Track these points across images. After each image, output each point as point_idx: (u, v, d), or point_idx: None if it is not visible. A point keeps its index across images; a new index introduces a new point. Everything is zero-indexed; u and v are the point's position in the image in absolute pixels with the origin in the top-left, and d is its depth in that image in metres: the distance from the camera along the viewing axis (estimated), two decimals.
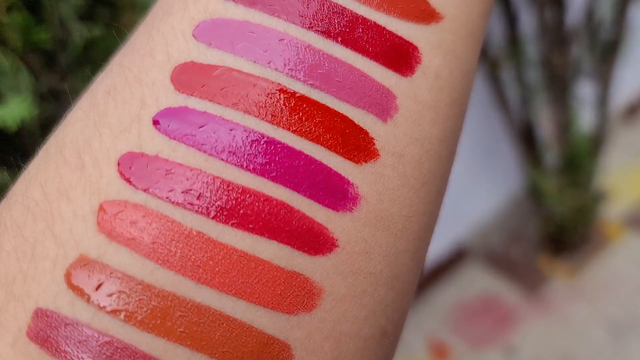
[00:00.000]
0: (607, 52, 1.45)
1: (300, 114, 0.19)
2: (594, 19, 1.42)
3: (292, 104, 0.19)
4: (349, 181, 0.19)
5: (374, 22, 0.20)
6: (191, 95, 0.19)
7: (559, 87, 1.46)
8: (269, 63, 0.19)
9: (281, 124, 0.19)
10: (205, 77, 0.19)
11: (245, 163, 0.19)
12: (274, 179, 0.19)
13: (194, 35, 0.20)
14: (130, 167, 0.19)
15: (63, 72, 0.67)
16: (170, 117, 0.19)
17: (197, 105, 0.19)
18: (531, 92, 1.49)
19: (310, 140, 0.19)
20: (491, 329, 1.60)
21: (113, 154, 0.19)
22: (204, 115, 0.19)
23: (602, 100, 1.54)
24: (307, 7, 0.20)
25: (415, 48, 0.21)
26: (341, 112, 0.20)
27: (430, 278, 1.68)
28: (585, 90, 1.49)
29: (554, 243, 1.70)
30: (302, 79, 0.19)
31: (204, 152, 0.19)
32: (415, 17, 0.21)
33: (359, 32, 0.20)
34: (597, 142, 1.57)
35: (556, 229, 1.66)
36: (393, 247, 0.21)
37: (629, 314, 1.53)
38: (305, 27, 0.20)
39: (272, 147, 0.19)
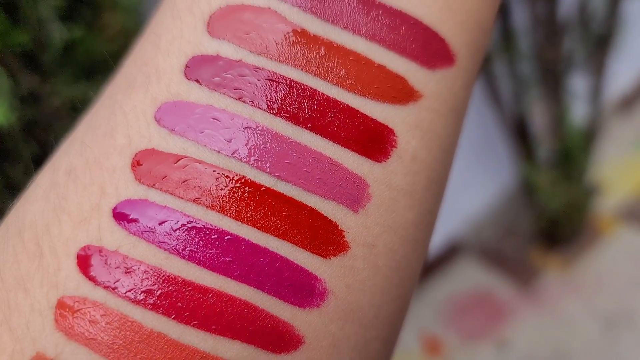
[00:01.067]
0: (600, 45, 1.44)
1: (266, 209, 0.18)
2: (587, 12, 1.41)
3: (257, 199, 0.18)
4: (316, 277, 0.19)
5: (347, 105, 0.19)
6: (151, 187, 0.18)
7: (552, 80, 1.45)
8: (233, 153, 0.18)
9: (245, 219, 0.18)
10: (167, 167, 0.18)
11: (207, 262, 0.18)
12: (237, 278, 0.18)
13: (155, 119, 0.19)
14: (90, 261, 0.18)
15: (44, 74, 0.66)
16: (129, 211, 0.18)
17: (158, 199, 0.18)
18: (524, 86, 1.48)
19: (276, 236, 0.18)
20: (484, 323, 1.60)
21: (72, 246, 0.18)
22: (165, 210, 0.18)
23: (595, 93, 1.53)
24: (275, 91, 0.19)
25: (390, 131, 0.20)
26: (309, 204, 0.19)
27: (424, 273, 1.68)
28: (578, 84, 1.49)
29: (547, 237, 1.70)
30: (268, 171, 0.19)
31: (164, 249, 0.18)
32: (392, 97, 0.20)
33: (330, 117, 0.19)
34: (590, 136, 1.57)
35: (549, 223, 1.66)
36: (363, 337, 0.20)
37: (621, 308, 1.54)
38: (273, 113, 0.19)
39: (236, 245, 0.18)
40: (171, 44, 0.20)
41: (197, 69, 0.19)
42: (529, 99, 1.51)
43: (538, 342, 1.54)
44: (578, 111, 1.54)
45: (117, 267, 0.18)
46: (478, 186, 1.74)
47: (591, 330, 1.52)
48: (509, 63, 1.47)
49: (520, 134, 1.56)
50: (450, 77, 0.21)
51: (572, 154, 1.53)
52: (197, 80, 0.19)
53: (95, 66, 0.66)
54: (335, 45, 0.19)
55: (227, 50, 0.19)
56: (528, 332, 1.56)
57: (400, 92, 0.20)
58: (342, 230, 0.19)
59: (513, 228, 1.78)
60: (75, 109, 0.64)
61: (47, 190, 0.20)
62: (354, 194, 0.19)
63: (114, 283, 0.18)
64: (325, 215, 0.19)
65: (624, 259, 1.62)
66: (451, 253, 1.75)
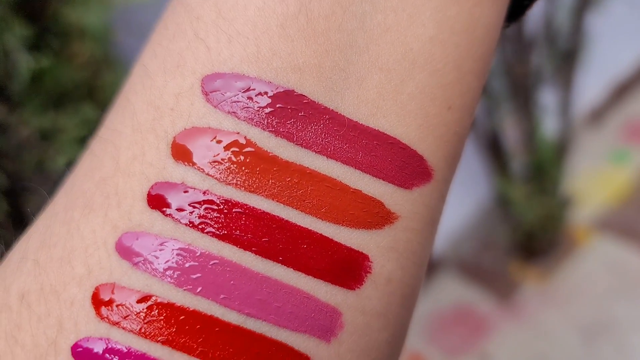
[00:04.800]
0: (567, 59, 1.46)
1: (235, 348, 0.18)
2: (552, 28, 1.43)
3: (225, 338, 0.18)
4: None
5: (320, 235, 0.18)
6: (114, 325, 0.17)
7: (522, 95, 1.46)
8: (199, 292, 0.18)
9: None
10: (129, 305, 0.17)
11: None
12: None
13: (116, 249, 0.18)
14: None
15: (11, 104, 0.66)
16: (90, 350, 0.17)
17: (120, 338, 0.17)
18: (495, 102, 1.50)
19: None
20: (466, 338, 1.60)
21: None
22: (128, 353, 0.17)
23: (565, 107, 1.55)
24: (244, 224, 0.18)
25: (365, 257, 0.19)
26: (279, 339, 0.18)
27: None
28: (548, 98, 1.51)
29: (524, 250, 1.71)
30: (237, 308, 0.18)
31: None
32: (367, 222, 0.19)
33: (302, 248, 0.18)
34: (561, 149, 1.58)
35: (525, 235, 1.67)
36: None
37: (599, 317, 1.55)
38: (242, 247, 0.18)
39: None
40: (132, 163, 0.19)
41: (160, 198, 0.18)
42: (500, 115, 1.52)
43: (519, 354, 1.55)
44: (549, 125, 1.55)
45: None
46: (454, 202, 1.74)
47: (571, 341, 1.53)
48: None
49: (494, 149, 1.57)
50: (427, 193, 0.20)
51: (545, 167, 1.55)
52: (161, 211, 0.18)
53: (64, 95, 0.65)
54: (308, 171, 0.18)
55: (193, 178, 0.18)
56: (509, 345, 1.56)
57: (375, 216, 0.19)
58: None
59: (490, 242, 1.79)
60: (44, 139, 0.64)
61: None
62: (326, 324, 0.19)
63: None
64: (296, 349, 0.18)
65: (601, 269, 1.64)
66: (431, 269, 1.75)
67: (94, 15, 0.70)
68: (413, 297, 0.21)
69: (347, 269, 0.19)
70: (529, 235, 1.66)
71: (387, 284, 0.19)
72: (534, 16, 1.40)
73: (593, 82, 1.75)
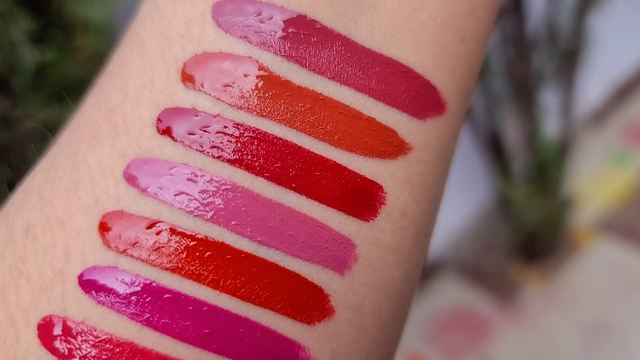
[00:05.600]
0: (568, 60, 1.47)
1: (246, 277, 0.17)
2: (554, 28, 1.43)
3: (237, 266, 0.17)
4: (299, 345, 0.18)
5: (334, 162, 0.18)
6: (122, 253, 0.17)
7: (524, 96, 1.47)
8: (210, 218, 0.17)
9: (224, 289, 0.17)
10: (138, 232, 0.17)
11: (182, 335, 0.17)
12: (216, 351, 0.17)
13: (124, 177, 0.17)
14: (53, 333, 0.16)
15: (15, 98, 0.65)
16: (98, 279, 0.17)
17: (129, 266, 0.17)
18: (496, 102, 1.50)
19: (257, 304, 0.17)
20: (466, 340, 1.60)
21: (32, 315, 0.17)
22: (136, 279, 0.17)
23: (566, 108, 1.55)
24: (257, 149, 0.18)
25: (379, 188, 0.19)
26: (293, 270, 0.18)
27: None
28: (549, 99, 1.51)
29: (525, 251, 1.71)
30: (248, 235, 0.17)
31: (137, 322, 0.17)
32: (381, 152, 0.18)
33: (315, 176, 0.18)
34: (563, 150, 1.58)
35: (527, 237, 1.66)
36: None
37: (601, 319, 1.54)
38: (254, 173, 0.17)
39: (214, 317, 0.17)
40: (140, 91, 0.18)
41: (170, 123, 0.18)
42: (501, 115, 1.52)
43: (520, 356, 1.54)
44: (551, 126, 1.56)
45: (84, 341, 0.16)
46: (455, 203, 1.74)
47: (572, 342, 1.52)
48: (481, 79, 1.49)
49: (495, 150, 1.57)
50: (440, 125, 0.20)
51: (547, 168, 1.55)
52: (170, 136, 0.18)
53: (68, 89, 0.65)
54: (321, 97, 0.18)
55: (204, 103, 0.18)
56: (510, 347, 1.56)
57: (390, 145, 0.19)
58: (327, 295, 0.18)
59: (491, 243, 1.78)
60: (48, 133, 0.63)
61: (1, 248, 0.18)
62: (340, 256, 0.18)
63: (81, 358, 0.16)
64: (309, 279, 0.18)
65: (602, 270, 1.64)
66: (431, 271, 1.75)
67: (98, 10, 0.70)
68: (427, 235, 0.21)
69: (361, 198, 0.18)
70: (530, 237, 1.66)
71: (401, 218, 0.19)
72: (535, 16, 1.40)
73: (595, 83, 1.75)
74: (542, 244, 1.67)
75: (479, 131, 1.56)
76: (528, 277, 1.68)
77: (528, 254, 1.71)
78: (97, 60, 0.68)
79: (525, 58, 1.41)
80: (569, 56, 1.46)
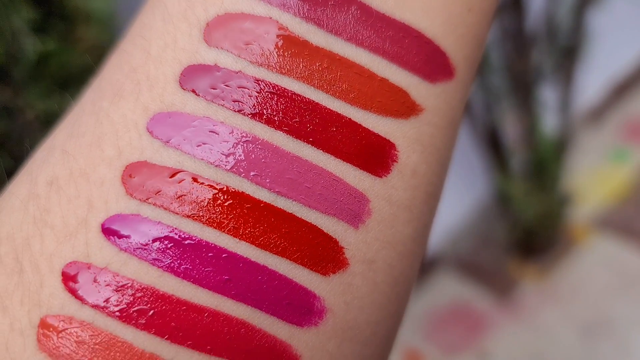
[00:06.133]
0: (567, 56, 1.47)
1: (265, 226, 0.18)
2: (553, 24, 1.44)
3: (256, 215, 0.18)
4: (315, 295, 0.18)
5: (349, 119, 0.19)
6: (144, 201, 0.17)
7: (523, 92, 1.47)
8: (231, 168, 0.18)
9: (244, 236, 0.18)
10: (160, 181, 0.18)
11: (203, 280, 0.17)
12: (234, 297, 0.17)
13: (148, 130, 0.18)
14: (77, 279, 0.17)
15: (16, 87, 0.65)
16: (120, 226, 0.17)
17: (151, 214, 0.17)
18: (495, 98, 1.50)
19: (274, 253, 0.18)
20: (464, 335, 1.60)
21: (57, 262, 0.17)
22: (158, 226, 0.17)
23: (565, 104, 1.55)
24: (276, 104, 0.18)
25: (392, 146, 0.19)
26: (309, 221, 0.18)
27: None
28: (548, 95, 1.51)
29: (522, 247, 1.71)
30: (267, 186, 0.18)
31: (158, 267, 0.17)
32: (394, 111, 0.19)
33: (332, 131, 0.19)
34: (561, 146, 1.59)
35: (524, 233, 1.67)
36: (360, 356, 0.20)
37: (598, 315, 1.55)
38: (273, 127, 0.18)
39: (233, 263, 0.17)
40: (164, 50, 0.19)
41: (193, 78, 0.18)
42: (500, 111, 1.52)
43: (518, 352, 1.54)
44: (549, 122, 1.56)
45: (107, 285, 0.17)
46: (453, 198, 1.74)
47: (569, 338, 1.53)
48: (480, 75, 1.49)
49: (493, 146, 1.57)
50: (449, 90, 0.21)
51: (545, 164, 1.55)
52: (193, 91, 0.18)
53: (69, 79, 0.65)
54: (337, 57, 0.19)
55: (226, 60, 0.18)
56: (508, 342, 1.56)
57: (402, 106, 0.19)
58: (342, 247, 0.19)
59: (489, 239, 1.79)
60: (49, 122, 0.64)
61: (25, 201, 0.18)
62: (354, 209, 0.19)
63: (103, 302, 0.17)
64: (325, 231, 0.18)
65: (599, 267, 1.64)
66: (429, 266, 1.75)
67: (100, 0, 0.70)
68: (436, 197, 0.21)
69: (375, 155, 0.19)
70: (528, 233, 1.66)
71: (413, 176, 0.20)
72: (534, 12, 1.41)
73: (594, 79, 1.75)
74: (540, 240, 1.67)
75: (477, 127, 1.56)
76: (526, 273, 1.69)
77: (526, 250, 1.71)
78: (98, 51, 0.68)
79: (524, 54, 1.41)
80: (568, 52, 1.46)
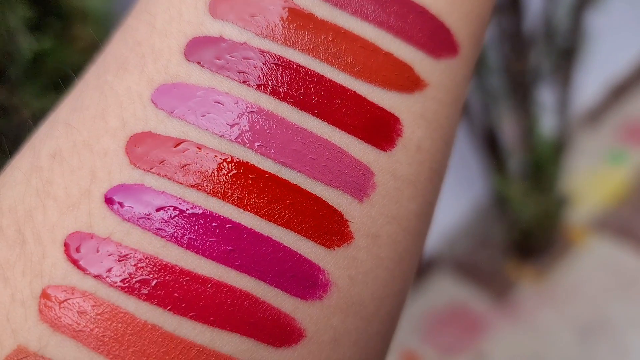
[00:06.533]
0: (565, 57, 1.47)
1: (270, 197, 0.18)
2: (551, 25, 1.44)
3: (261, 186, 0.18)
4: (319, 268, 0.18)
5: (354, 92, 0.19)
6: (148, 171, 0.17)
7: (521, 93, 1.47)
8: (236, 138, 0.18)
9: (248, 207, 0.17)
10: (165, 151, 0.17)
11: (207, 251, 0.17)
12: (238, 268, 0.17)
13: (152, 101, 0.18)
14: (79, 249, 0.17)
15: (12, 86, 0.65)
16: (123, 196, 0.17)
17: (155, 184, 0.17)
18: (493, 99, 1.50)
19: (279, 224, 0.18)
20: (461, 337, 1.60)
21: (59, 232, 0.17)
22: (162, 196, 0.17)
23: (563, 105, 1.56)
24: (281, 75, 0.18)
25: (397, 120, 0.19)
26: (314, 192, 0.18)
27: None
28: (546, 96, 1.51)
29: (520, 248, 1.72)
30: (272, 157, 0.18)
31: (161, 237, 0.17)
32: (399, 86, 0.19)
33: (337, 104, 0.18)
34: (559, 147, 1.59)
35: (522, 234, 1.67)
36: (364, 332, 0.19)
37: (595, 316, 1.55)
38: (279, 98, 0.18)
39: (237, 234, 0.17)
40: (169, 24, 0.19)
41: (198, 50, 0.18)
42: (498, 112, 1.52)
43: (515, 353, 1.55)
44: (547, 123, 1.56)
45: (110, 255, 0.17)
46: (450, 200, 1.74)
47: (567, 340, 1.53)
48: (477, 76, 1.49)
49: (491, 147, 1.58)
50: (453, 67, 0.21)
51: (543, 166, 1.55)
52: (198, 62, 0.18)
53: (65, 78, 0.65)
54: (342, 30, 0.19)
55: (231, 32, 0.18)
56: (505, 344, 1.56)
57: (407, 80, 0.19)
58: (347, 220, 0.19)
59: (486, 240, 1.79)
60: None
61: (27, 174, 0.18)
62: (359, 182, 0.19)
63: (106, 272, 0.17)
64: (330, 204, 0.18)
65: (597, 268, 1.64)
66: (426, 267, 1.75)
67: None
68: (440, 175, 0.21)
69: (380, 128, 0.19)
70: (526, 234, 1.66)
71: (417, 151, 0.20)
72: (532, 13, 1.41)
73: (591, 81, 1.76)
74: (537, 241, 1.67)
75: (475, 128, 1.56)
76: (523, 275, 1.69)
77: (523, 251, 1.71)
78: (94, 50, 0.67)
79: (522, 55, 1.41)
80: (566, 54, 1.46)
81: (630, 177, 1.82)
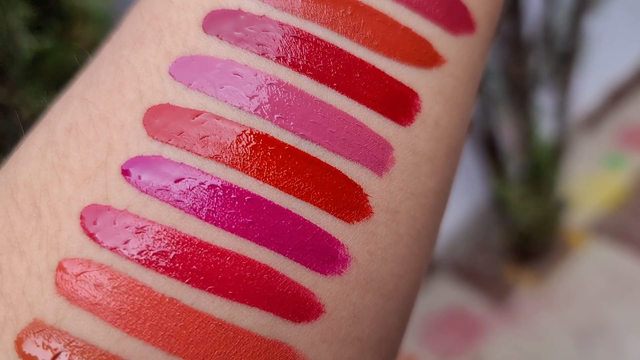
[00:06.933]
0: (564, 62, 1.47)
1: (289, 169, 0.17)
2: (550, 30, 1.44)
3: (280, 158, 0.17)
4: (339, 242, 0.18)
5: (373, 66, 0.19)
6: (166, 143, 0.17)
7: (519, 97, 1.47)
8: (255, 110, 0.17)
9: (267, 179, 0.17)
10: (183, 123, 0.17)
11: (225, 223, 0.17)
12: (257, 241, 0.17)
13: (170, 73, 0.18)
14: (95, 221, 0.17)
15: (12, 86, 0.65)
16: (141, 168, 0.17)
17: (173, 155, 0.17)
18: (492, 103, 1.50)
19: (298, 197, 0.17)
20: (459, 340, 1.60)
21: (75, 205, 0.17)
22: (181, 167, 0.17)
23: (562, 109, 1.56)
24: (300, 48, 0.18)
25: (415, 95, 0.19)
26: (334, 166, 0.18)
27: None
28: (545, 100, 1.52)
29: (518, 252, 1.71)
30: (292, 129, 0.18)
31: (180, 209, 0.17)
32: (417, 61, 0.19)
33: (356, 77, 0.18)
34: (558, 151, 1.59)
35: (520, 238, 1.67)
36: (382, 309, 0.19)
37: (593, 320, 1.55)
38: (298, 71, 0.18)
39: (257, 206, 0.17)
40: None
41: (216, 23, 0.18)
42: (497, 116, 1.52)
43: (513, 357, 1.54)
44: (546, 127, 1.56)
45: (127, 227, 0.16)
46: (450, 204, 1.74)
47: (565, 344, 1.53)
48: None
49: (490, 150, 1.58)
50: (471, 44, 0.21)
51: (541, 169, 1.55)
52: (216, 35, 0.18)
53: (65, 78, 0.65)
54: (361, 4, 0.19)
55: (250, 5, 0.18)
56: (503, 347, 1.56)
57: (425, 55, 0.19)
58: (366, 195, 0.18)
59: (485, 244, 1.79)
60: None
61: (43, 149, 0.18)
62: (378, 156, 0.19)
63: (123, 244, 0.16)
64: (349, 177, 0.18)
65: (595, 272, 1.64)
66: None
67: None
68: (457, 153, 0.21)
69: (398, 103, 0.19)
70: (524, 238, 1.66)
71: (435, 128, 0.20)
72: (532, 18, 1.41)
73: (590, 85, 1.76)
74: (535, 245, 1.67)
75: (474, 132, 1.56)
76: (521, 278, 1.69)
77: (522, 255, 1.71)
78: (95, 50, 0.67)
79: (521, 59, 1.42)
80: (565, 58, 1.47)
81: (628, 182, 1.82)
